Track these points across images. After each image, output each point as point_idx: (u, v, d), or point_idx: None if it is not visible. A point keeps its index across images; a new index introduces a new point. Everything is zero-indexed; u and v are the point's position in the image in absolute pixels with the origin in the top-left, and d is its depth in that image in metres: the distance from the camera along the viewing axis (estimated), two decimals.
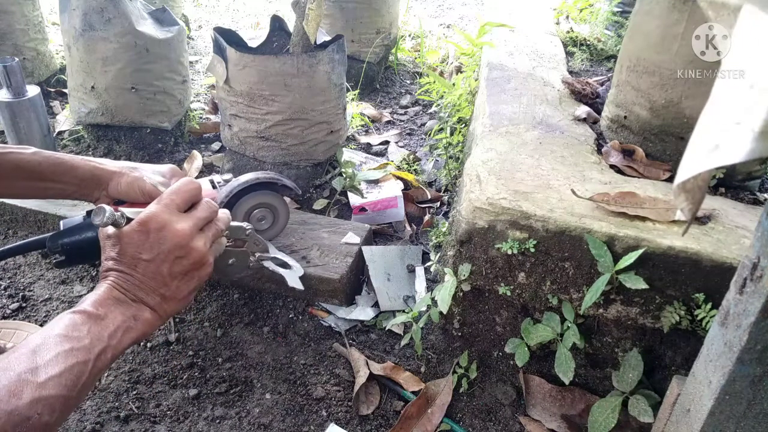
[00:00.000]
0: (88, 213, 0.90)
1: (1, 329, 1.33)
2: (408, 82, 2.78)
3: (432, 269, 1.43)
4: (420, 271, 1.49)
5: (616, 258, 1.01)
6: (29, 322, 1.40)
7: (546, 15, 2.35)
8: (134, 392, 1.24)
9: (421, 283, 1.46)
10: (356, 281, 1.47)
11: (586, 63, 1.98)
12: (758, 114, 0.44)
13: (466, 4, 3.95)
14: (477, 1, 3.95)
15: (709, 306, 0.98)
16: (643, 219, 1.06)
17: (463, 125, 1.84)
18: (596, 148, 1.36)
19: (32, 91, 1.83)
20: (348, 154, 1.95)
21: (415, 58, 2.90)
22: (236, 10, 3.67)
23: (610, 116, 1.42)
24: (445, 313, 1.15)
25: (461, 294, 1.21)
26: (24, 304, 1.45)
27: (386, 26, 2.61)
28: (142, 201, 0.91)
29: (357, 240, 1.49)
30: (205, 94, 2.45)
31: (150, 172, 0.98)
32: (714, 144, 0.47)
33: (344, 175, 1.77)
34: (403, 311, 1.34)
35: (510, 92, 1.60)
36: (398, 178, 1.83)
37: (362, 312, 1.40)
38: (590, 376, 1.20)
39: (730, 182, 1.27)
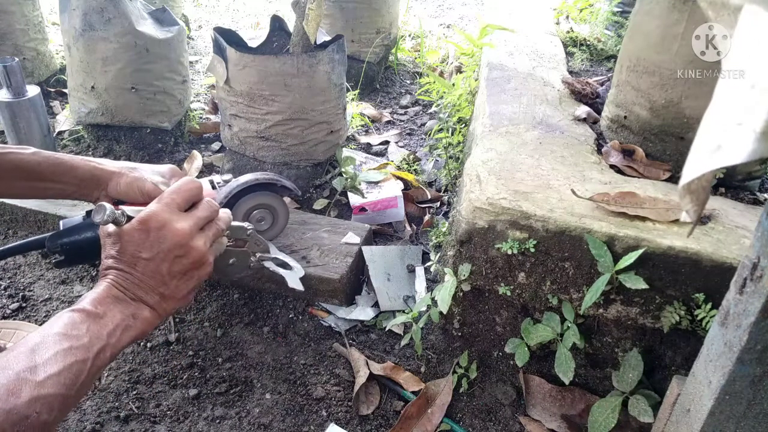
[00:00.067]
0: (88, 213, 0.90)
1: (1, 329, 1.33)
2: (408, 82, 2.78)
3: (432, 269, 1.43)
4: (420, 271, 1.49)
5: (616, 258, 1.01)
6: (29, 322, 1.40)
7: (546, 15, 2.35)
8: (134, 392, 1.24)
9: (421, 283, 1.46)
10: (356, 281, 1.47)
11: (586, 63, 1.98)
12: (759, 114, 0.44)
13: (466, 4, 3.95)
14: (477, 1, 3.95)
15: (709, 306, 0.98)
16: (643, 219, 1.06)
17: (463, 125, 1.84)
18: (596, 148, 1.36)
19: (32, 91, 1.84)
20: (348, 154, 1.95)
21: (415, 58, 2.90)
22: (236, 10, 3.67)
23: (610, 116, 1.42)
24: (445, 313, 1.15)
25: (461, 294, 1.21)
26: (24, 304, 1.45)
27: (386, 26, 2.61)
28: (141, 201, 0.91)
29: (357, 240, 1.49)
30: (205, 94, 2.45)
31: (149, 173, 0.97)
32: (716, 145, 0.47)
33: (344, 175, 1.77)
34: (403, 311, 1.34)
35: (510, 92, 1.60)
36: (398, 178, 1.83)
37: (362, 312, 1.40)
38: (590, 376, 1.20)
39: (730, 182, 1.27)
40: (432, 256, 1.46)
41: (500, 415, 1.20)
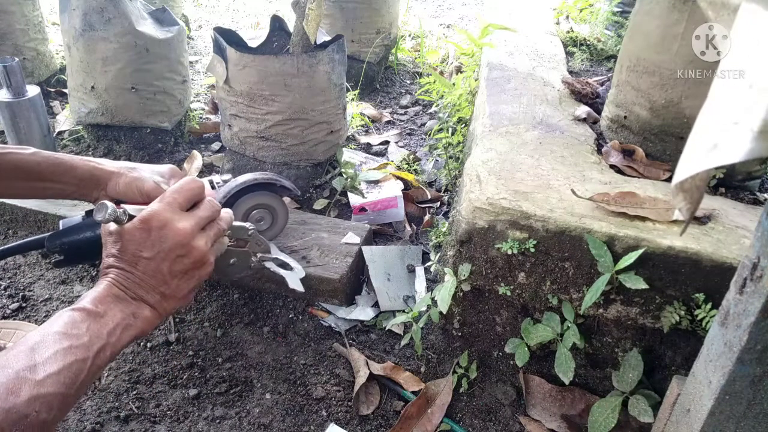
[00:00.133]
0: (88, 213, 0.90)
1: (1, 329, 1.33)
2: (408, 82, 2.78)
3: (432, 269, 1.43)
4: (420, 271, 1.49)
5: (616, 258, 1.01)
6: (29, 322, 1.40)
7: (546, 15, 2.35)
8: (134, 392, 1.24)
9: (421, 283, 1.46)
10: (356, 281, 1.47)
11: (586, 63, 1.98)
12: (757, 113, 0.44)
13: (466, 4, 3.95)
14: (477, 1, 3.95)
15: (709, 306, 0.98)
16: (643, 219, 1.06)
17: (463, 125, 1.84)
18: (596, 148, 1.36)
19: (32, 91, 1.84)
20: (348, 154, 1.95)
21: (415, 58, 2.90)
22: (236, 10, 3.67)
23: (610, 116, 1.42)
24: (445, 313, 1.15)
25: (461, 294, 1.21)
26: (24, 304, 1.45)
27: (386, 26, 2.61)
28: (140, 201, 0.91)
29: (357, 240, 1.49)
30: (205, 94, 2.45)
31: (149, 173, 0.97)
32: (713, 143, 0.47)
33: (344, 175, 1.77)
34: (403, 311, 1.34)
35: (510, 92, 1.60)
36: (398, 178, 1.83)
37: (362, 312, 1.40)
38: (590, 376, 1.20)
39: (730, 182, 1.27)
40: (432, 256, 1.46)
41: (500, 415, 1.20)
